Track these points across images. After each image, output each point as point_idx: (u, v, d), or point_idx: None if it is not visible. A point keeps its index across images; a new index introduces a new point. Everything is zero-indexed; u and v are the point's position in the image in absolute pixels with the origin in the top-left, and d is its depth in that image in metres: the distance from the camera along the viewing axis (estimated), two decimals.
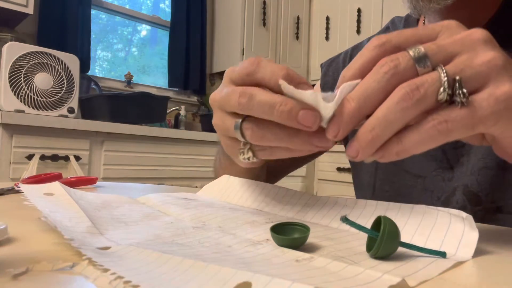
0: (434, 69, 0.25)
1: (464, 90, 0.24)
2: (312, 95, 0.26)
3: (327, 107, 0.26)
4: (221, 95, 0.30)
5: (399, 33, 0.27)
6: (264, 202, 0.38)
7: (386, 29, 0.60)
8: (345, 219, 0.24)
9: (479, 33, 0.26)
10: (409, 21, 0.56)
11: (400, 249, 0.23)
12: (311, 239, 0.26)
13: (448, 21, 0.27)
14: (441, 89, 0.24)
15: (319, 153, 0.30)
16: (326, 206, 0.34)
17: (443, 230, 0.26)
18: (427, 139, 0.25)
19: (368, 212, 0.31)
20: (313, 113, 0.26)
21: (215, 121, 0.33)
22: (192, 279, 0.16)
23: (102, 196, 0.37)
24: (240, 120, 0.30)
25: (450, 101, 0.24)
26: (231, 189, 0.42)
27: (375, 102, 0.25)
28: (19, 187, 0.36)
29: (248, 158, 0.31)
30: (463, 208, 0.45)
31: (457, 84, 0.24)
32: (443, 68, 0.25)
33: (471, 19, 0.45)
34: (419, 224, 0.27)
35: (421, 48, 0.25)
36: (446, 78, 0.24)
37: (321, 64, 0.69)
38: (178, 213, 0.32)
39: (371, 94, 0.25)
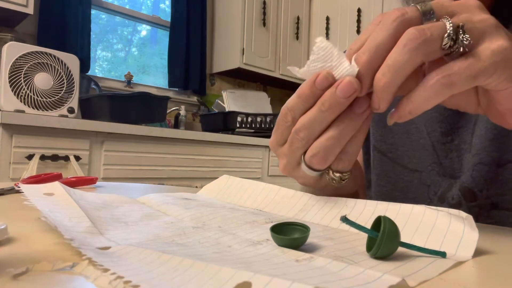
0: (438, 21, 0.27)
1: (467, 36, 0.26)
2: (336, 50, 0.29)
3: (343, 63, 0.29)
4: (285, 153, 0.34)
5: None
6: (264, 202, 0.38)
7: None
8: (345, 219, 0.24)
9: (473, 1, 0.29)
10: None
11: (400, 249, 0.23)
12: (311, 239, 0.26)
13: None
14: (446, 34, 0.26)
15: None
16: (326, 206, 0.34)
17: (443, 230, 0.26)
18: (433, 94, 0.27)
19: (368, 212, 0.31)
20: (347, 82, 0.28)
21: (283, 170, 0.36)
22: (192, 279, 0.16)
23: (102, 196, 0.37)
24: (302, 161, 0.33)
25: (452, 50, 0.27)
26: (231, 189, 0.42)
27: (385, 51, 0.27)
28: (19, 187, 0.36)
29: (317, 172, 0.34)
30: (458, 204, 0.45)
31: (461, 30, 0.26)
32: (448, 18, 0.27)
33: None
34: (419, 224, 0.27)
35: (427, 3, 0.28)
36: (451, 25, 0.26)
37: None
38: (178, 213, 0.32)
39: (381, 43, 0.27)
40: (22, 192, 0.32)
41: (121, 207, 0.34)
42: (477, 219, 0.44)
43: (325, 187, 0.36)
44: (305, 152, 0.33)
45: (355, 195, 0.47)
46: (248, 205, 0.38)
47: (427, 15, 0.27)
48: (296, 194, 0.37)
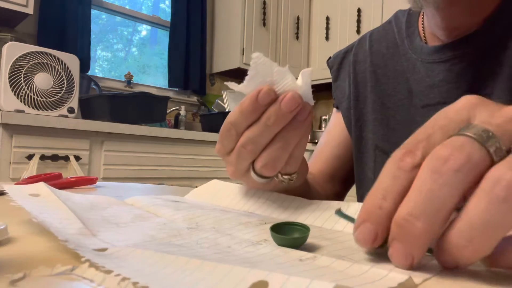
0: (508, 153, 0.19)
1: None
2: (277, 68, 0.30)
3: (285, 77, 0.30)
4: (232, 162, 0.35)
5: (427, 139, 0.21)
6: (256, 205, 0.37)
7: (388, 23, 0.59)
8: (338, 212, 0.24)
9: None
10: (412, 14, 0.56)
11: None
12: (309, 239, 0.25)
13: (465, 98, 0.22)
14: None
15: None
16: (319, 209, 0.33)
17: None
18: None
19: None
20: (291, 97, 0.29)
21: (231, 174, 0.37)
22: (203, 279, 0.16)
23: (88, 197, 0.36)
24: (251, 169, 0.34)
25: None
26: (221, 192, 0.41)
27: (447, 213, 0.19)
28: (3, 189, 0.35)
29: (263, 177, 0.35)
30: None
31: None
32: None
33: (470, 11, 0.45)
34: None
35: (482, 126, 0.19)
36: None
37: (327, 62, 0.68)
38: (169, 214, 0.32)
39: (441, 204, 0.19)
40: (7, 193, 0.31)
41: (109, 208, 0.33)
42: None
43: (274, 188, 0.38)
44: (253, 161, 0.34)
45: (305, 187, 0.47)
46: (239, 207, 0.37)
47: (492, 145, 0.19)
48: (288, 198, 0.36)
